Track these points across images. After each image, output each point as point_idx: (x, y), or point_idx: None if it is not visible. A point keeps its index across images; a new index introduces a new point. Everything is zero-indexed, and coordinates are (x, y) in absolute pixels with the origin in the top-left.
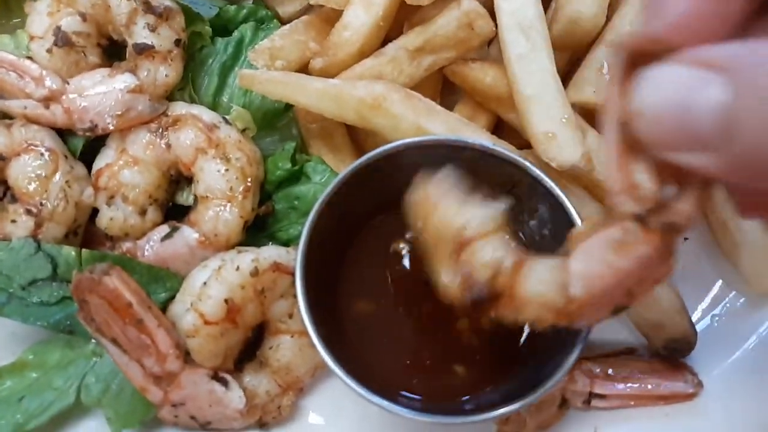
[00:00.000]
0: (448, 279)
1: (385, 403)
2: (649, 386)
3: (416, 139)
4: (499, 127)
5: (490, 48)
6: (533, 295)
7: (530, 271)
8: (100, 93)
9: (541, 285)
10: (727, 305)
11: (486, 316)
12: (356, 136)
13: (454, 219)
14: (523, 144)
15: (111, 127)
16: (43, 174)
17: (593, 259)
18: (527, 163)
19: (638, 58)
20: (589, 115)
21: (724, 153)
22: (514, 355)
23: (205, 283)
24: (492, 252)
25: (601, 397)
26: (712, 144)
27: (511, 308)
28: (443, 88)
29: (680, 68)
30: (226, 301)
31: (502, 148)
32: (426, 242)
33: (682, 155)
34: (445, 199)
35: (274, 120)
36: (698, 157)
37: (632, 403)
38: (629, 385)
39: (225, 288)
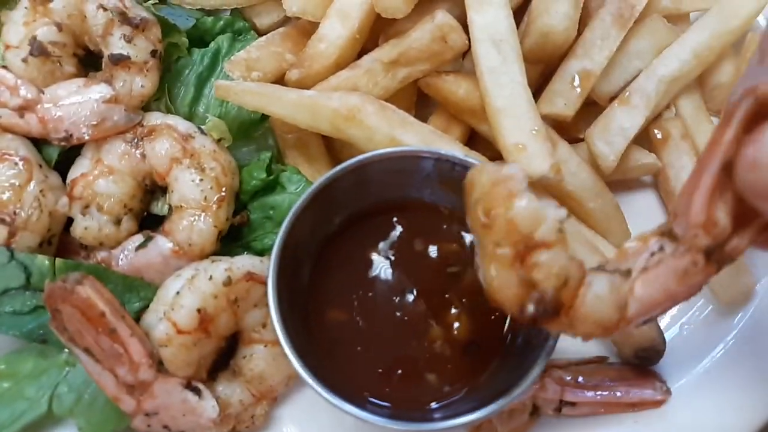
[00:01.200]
0: (506, 280)
1: (355, 410)
2: (619, 393)
3: (390, 150)
4: (473, 139)
5: (464, 60)
6: (593, 313)
7: (591, 287)
8: (75, 103)
9: (601, 303)
10: (696, 314)
11: (532, 324)
12: (332, 147)
13: (526, 218)
14: (496, 155)
15: (86, 137)
16: (17, 183)
17: (657, 285)
18: None
19: (765, 109)
20: (559, 126)
21: None
22: (485, 363)
23: (178, 293)
24: (562, 262)
25: (572, 404)
26: None
27: (566, 322)
28: (418, 99)
29: None
30: (198, 310)
31: (474, 159)
32: (482, 230)
33: None
34: (521, 193)
35: (250, 130)
36: None
37: (602, 410)
38: (599, 392)
39: (198, 297)
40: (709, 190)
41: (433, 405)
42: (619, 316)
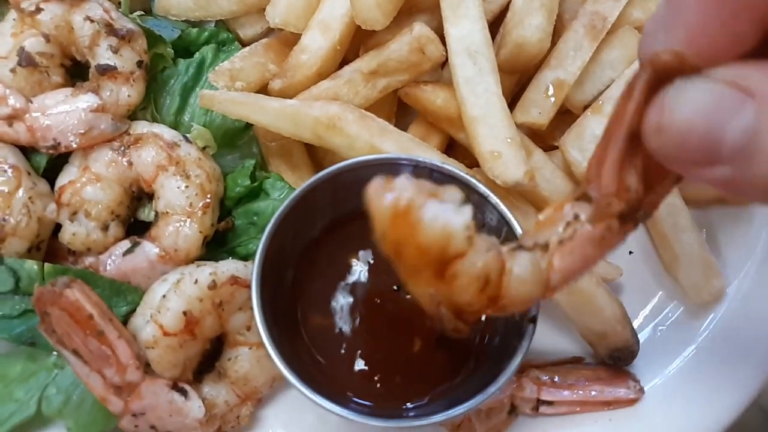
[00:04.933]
0: (428, 300)
1: (336, 408)
2: (594, 392)
3: (370, 157)
4: (452, 146)
5: (443, 70)
6: (518, 294)
7: (513, 273)
8: (63, 112)
9: (524, 285)
10: (669, 315)
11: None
12: (315, 154)
13: (436, 241)
14: (474, 162)
15: (74, 145)
16: (6, 190)
17: (576, 255)
18: (474, 181)
19: (662, 76)
20: (535, 134)
21: (741, 171)
22: (462, 363)
23: (164, 296)
24: (479, 265)
25: (549, 403)
26: (733, 162)
27: (498, 309)
28: (399, 108)
29: (713, 86)
30: (184, 313)
31: (451, 166)
32: (396, 259)
33: (696, 169)
34: (423, 209)
35: (234, 138)
36: (714, 171)
37: (578, 408)
38: (575, 391)
39: (183, 301)
40: (617, 161)
41: (412, 403)
42: (543, 290)
